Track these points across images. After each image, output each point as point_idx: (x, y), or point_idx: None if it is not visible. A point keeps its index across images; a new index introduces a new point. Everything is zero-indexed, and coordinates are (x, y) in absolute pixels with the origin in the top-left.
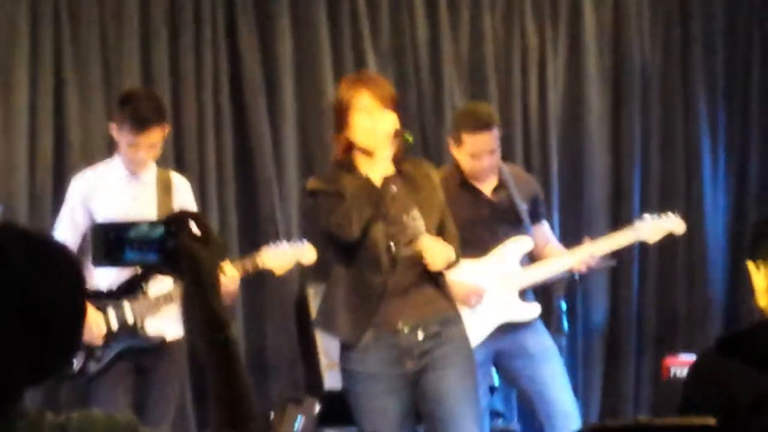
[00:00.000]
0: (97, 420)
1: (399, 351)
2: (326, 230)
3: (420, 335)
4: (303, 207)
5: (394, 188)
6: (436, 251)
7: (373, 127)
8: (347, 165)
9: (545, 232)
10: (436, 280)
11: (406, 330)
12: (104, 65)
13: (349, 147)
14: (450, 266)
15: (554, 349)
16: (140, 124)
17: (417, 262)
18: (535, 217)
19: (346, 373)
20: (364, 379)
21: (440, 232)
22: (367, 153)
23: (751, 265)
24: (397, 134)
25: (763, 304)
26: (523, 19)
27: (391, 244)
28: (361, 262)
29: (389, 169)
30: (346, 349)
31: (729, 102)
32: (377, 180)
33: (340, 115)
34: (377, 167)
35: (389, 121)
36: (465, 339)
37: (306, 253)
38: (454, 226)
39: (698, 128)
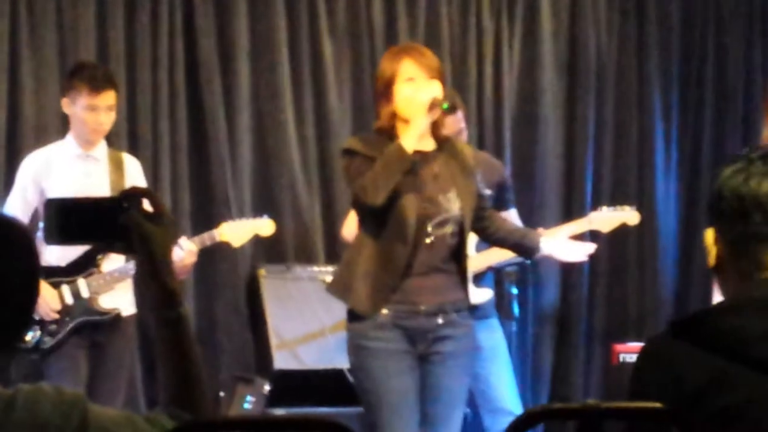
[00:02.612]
0: (44, 394)
1: (415, 331)
2: (352, 193)
3: (440, 320)
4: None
5: (435, 167)
6: None
7: (414, 95)
8: (390, 134)
9: (512, 218)
10: (460, 265)
11: (426, 312)
12: (60, 43)
13: (394, 118)
14: None
15: (504, 348)
16: (98, 85)
17: (446, 244)
18: (501, 204)
19: (359, 348)
20: (383, 357)
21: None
22: (408, 122)
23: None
24: (434, 103)
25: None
26: (480, 6)
27: (426, 222)
28: (389, 235)
29: (429, 144)
30: (359, 324)
31: (683, 91)
32: (410, 148)
33: (385, 86)
34: (412, 135)
35: (432, 90)
36: (473, 335)
37: (265, 226)
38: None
39: (652, 117)
